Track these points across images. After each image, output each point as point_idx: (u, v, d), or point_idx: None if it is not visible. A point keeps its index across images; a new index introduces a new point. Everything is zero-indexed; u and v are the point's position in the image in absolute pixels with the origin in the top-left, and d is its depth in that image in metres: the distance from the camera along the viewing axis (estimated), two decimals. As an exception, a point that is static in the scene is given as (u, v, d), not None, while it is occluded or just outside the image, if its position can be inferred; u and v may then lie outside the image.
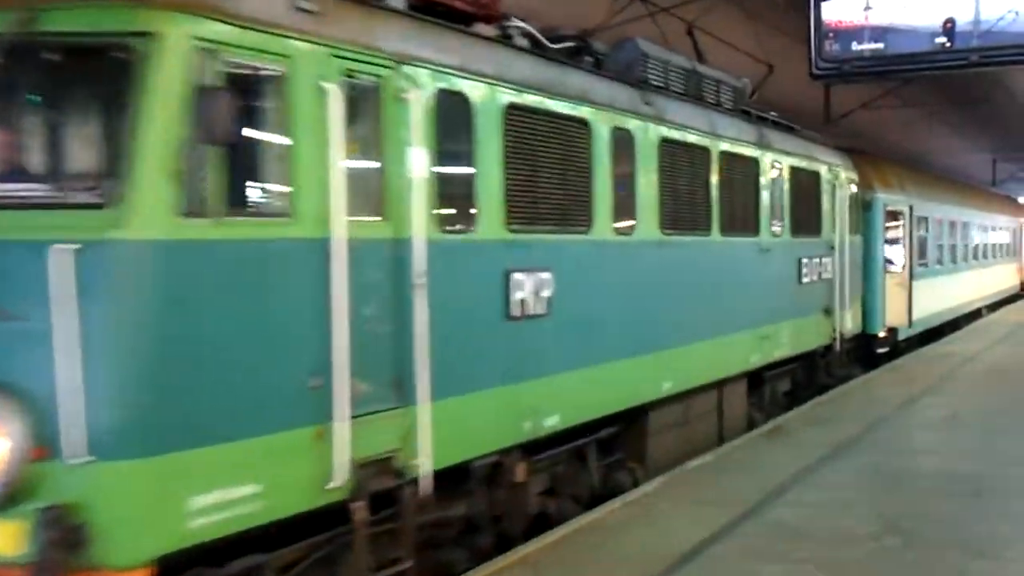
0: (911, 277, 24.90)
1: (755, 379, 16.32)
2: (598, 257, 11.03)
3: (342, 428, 7.15)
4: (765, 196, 15.85)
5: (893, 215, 24.40)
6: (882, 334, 22.90)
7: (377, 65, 7.76)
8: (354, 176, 7.52)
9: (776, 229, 16.28)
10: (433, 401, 8.07)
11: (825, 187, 19.00)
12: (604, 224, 11.02)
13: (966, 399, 17.20)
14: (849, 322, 20.18)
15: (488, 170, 9.02)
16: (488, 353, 9.06)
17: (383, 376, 7.78)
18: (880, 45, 11.32)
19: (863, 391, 18.67)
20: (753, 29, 19.75)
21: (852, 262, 20.62)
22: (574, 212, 10.65)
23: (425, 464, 7.98)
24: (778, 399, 17.74)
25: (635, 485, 11.82)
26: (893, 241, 24.52)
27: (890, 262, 23.97)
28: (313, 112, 7.14)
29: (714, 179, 13.82)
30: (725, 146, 14.26)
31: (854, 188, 21.00)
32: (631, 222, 11.68)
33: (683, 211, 13.03)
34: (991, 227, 39.80)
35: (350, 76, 7.49)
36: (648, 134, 12.03)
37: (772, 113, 17.27)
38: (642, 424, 12.34)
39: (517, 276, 9.30)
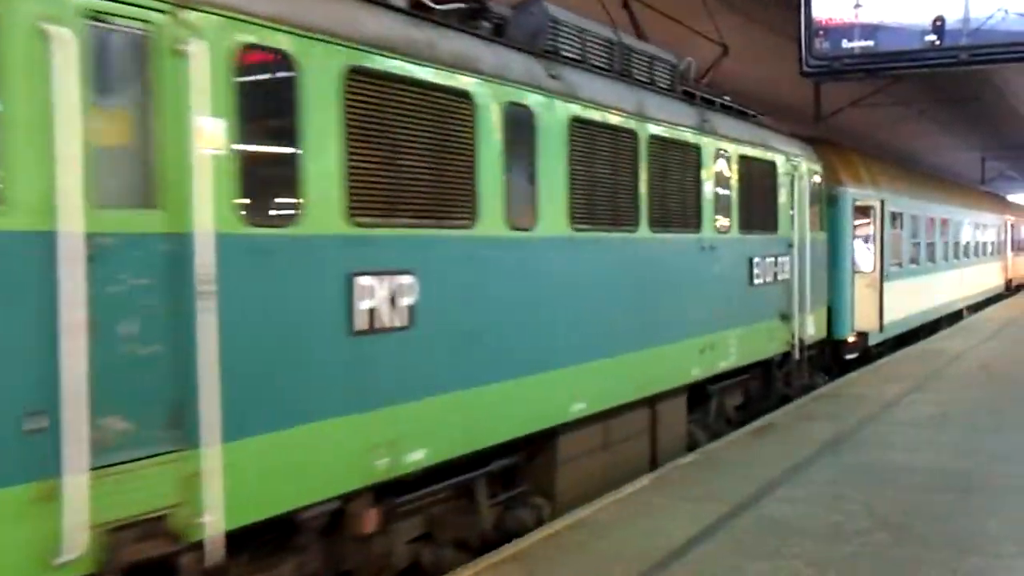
0: (882, 278, 22.11)
1: (699, 393, 14.37)
2: (484, 257, 9.17)
3: (76, 483, 5.48)
4: (708, 187, 13.65)
5: (863, 211, 21.98)
6: (851, 339, 20.82)
7: (141, 7, 5.93)
8: (106, 153, 5.86)
9: (722, 224, 14.15)
10: (229, 441, 6.36)
11: (782, 179, 16.56)
12: (493, 217, 9.21)
13: (954, 396, 16.96)
14: (812, 327, 17.84)
15: (321, 149, 7.23)
16: (320, 377, 7.23)
17: (151, 412, 6.02)
18: (870, 43, 11.24)
19: (852, 388, 18.12)
20: (731, 19, 19.79)
21: (815, 261, 18.18)
22: (450, 203, 8.76)
23: (213, 522, 6.23)
24: (727, 414, 15.60)
25: (540, 523, 10.08)
26: (863, 239, 22.16)
27: (860, 261, 21.73)
28: (32, 65, 5.42)
29: (642, 167, 11.81)
30: (657, 130, 12.21)
31: (818, 180, 18.46)
32: (531, 216, 9.85)
33: (601, 203, 11.12)
34: (974, 225, 36.97)
35: (97, 19, 5.75)
36: (554, 112, 10.18)
37: (725, 97, 15.47)
38: (550, 452, 10.47)
39: (364, 281, 7.57)
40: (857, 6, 11.18)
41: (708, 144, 13.72)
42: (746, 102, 23.14)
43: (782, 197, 16.66)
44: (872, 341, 21.88)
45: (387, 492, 8.17)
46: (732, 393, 15.73)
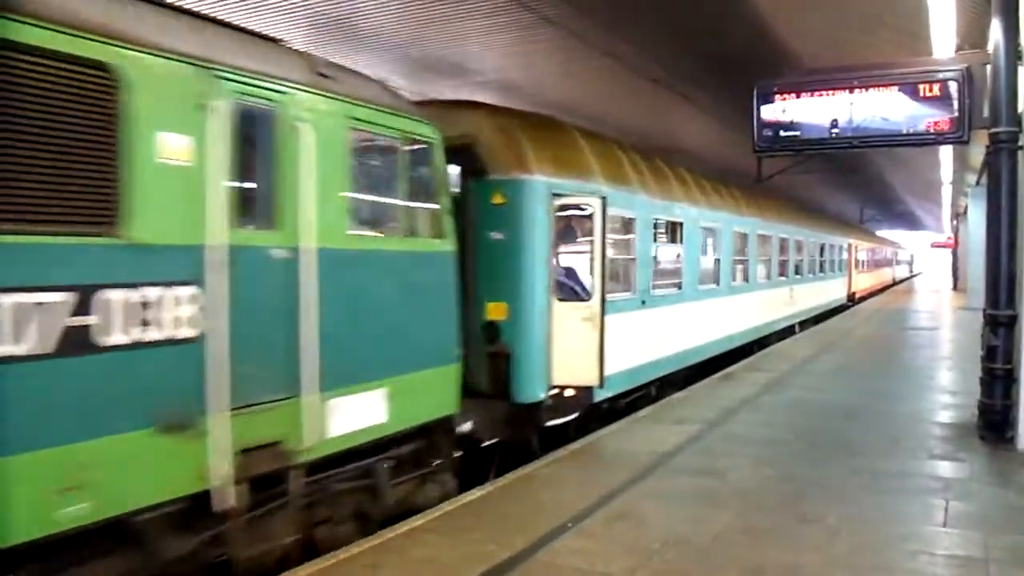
0: (604, 308, 9.69)
1: None
2: None
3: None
4: None
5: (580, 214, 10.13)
6: (569, 393, 9.65)
7: None
8: None
9: None
10: None
11: (178, 116, 4.79)
12: None
13: (846, 356, 16.63)
14: (378, 411, 6.36)
15: None
16: None
17: None
18: (796, 133, 11.48)
19: (781, 351, 17.68)
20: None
21: (408, 289, 6.78)
22: None
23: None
24: None
25: None
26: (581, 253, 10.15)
27: (569, 286, 9.88)
28: None
29: None
30: None
31: (406, 149, 6.80)
32: None
33: None
34: (811, 244, 25.09)
35: None
36: None
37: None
38: None
39: None
40: (783, 112, 11.33)
41: None
42: (712, 166, 23.27)
43: (212, 170, 5.00)
44: (598, 397, 10.20)
45: None
46: None
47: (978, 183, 27.11)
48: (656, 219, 12.42)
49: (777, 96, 11.29)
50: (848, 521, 6.43)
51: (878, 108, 10.68)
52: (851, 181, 36.63)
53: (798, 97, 11.18)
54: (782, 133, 11.44)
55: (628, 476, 7.71)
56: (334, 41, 13.48)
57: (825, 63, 13.63)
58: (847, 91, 10.84)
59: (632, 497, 7.09)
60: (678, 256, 13.64)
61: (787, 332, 22.11)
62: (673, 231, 13.40)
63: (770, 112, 11.42)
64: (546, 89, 17.58)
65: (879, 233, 58.08)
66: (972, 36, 11.70)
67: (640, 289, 11.68)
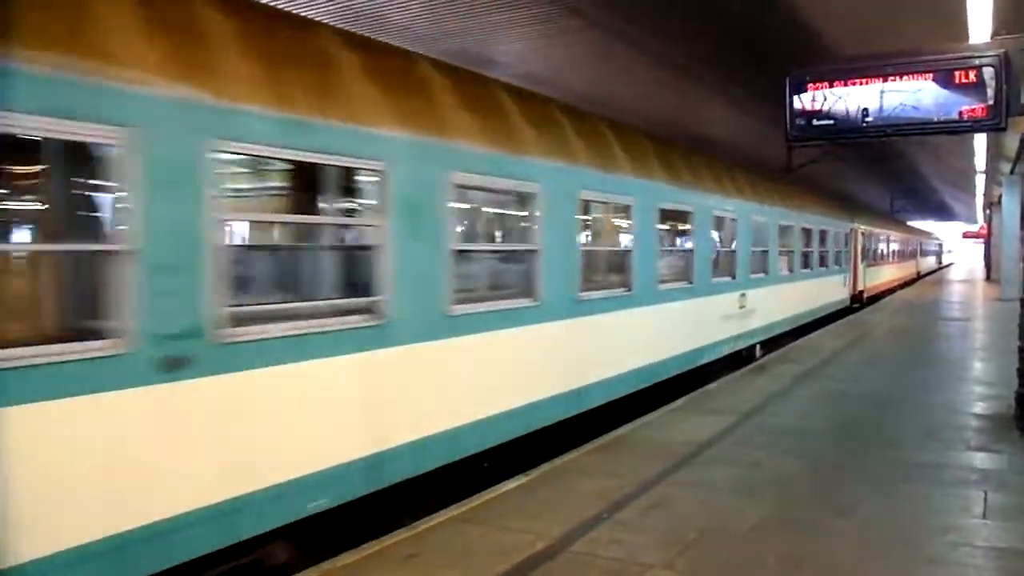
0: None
1: None
2: None
3: None
4: None
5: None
6: None
7: None
8: None
9: None
10: None
11: None
12: None
13: (876, 348, 16.48)
14: None
15: None
16: None
17: None
18: (830, 122, 11.41)
19: (811, 343, 17.53)
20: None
21: None
22: None
23: None
24: None
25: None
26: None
27: None
28: None
29: None
30: None
31: None
32: None
33: None
34: (790, 228, 17.77)
35: None
36: None
37: None
38: None
39: None
40: (813, 101, 11.27)
41: None
42: (740, 156, 23.00)
43: None
44: None
45: None
46: None
47: (1013, 171, 26.75)
48: (332, 161, 5.69)
49: (810, 85, 11.21)
50: (886, 512, 6.40)
51: (912, 95, 10.58)
52: (881, 170, 36.30)
53: (831, 86, 11.10)
54: (815, 122, 11.34)
55: (664, 466, 7.72)
56: (362, 32, 13.52)
57: (853, 49, 13.51)
58: (881, 79, 10.74)
59: (668, 487, 7.09)
60: (421, 251, 6.41)
61: (746, 358, 15.22)
62: (417, 203, 6.39)
63: (803, 101, 11.35)
64: (576, 82, 17.55)
65: (912, 223, 57.01)
66: (1009, 20, 11.56)
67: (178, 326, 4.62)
